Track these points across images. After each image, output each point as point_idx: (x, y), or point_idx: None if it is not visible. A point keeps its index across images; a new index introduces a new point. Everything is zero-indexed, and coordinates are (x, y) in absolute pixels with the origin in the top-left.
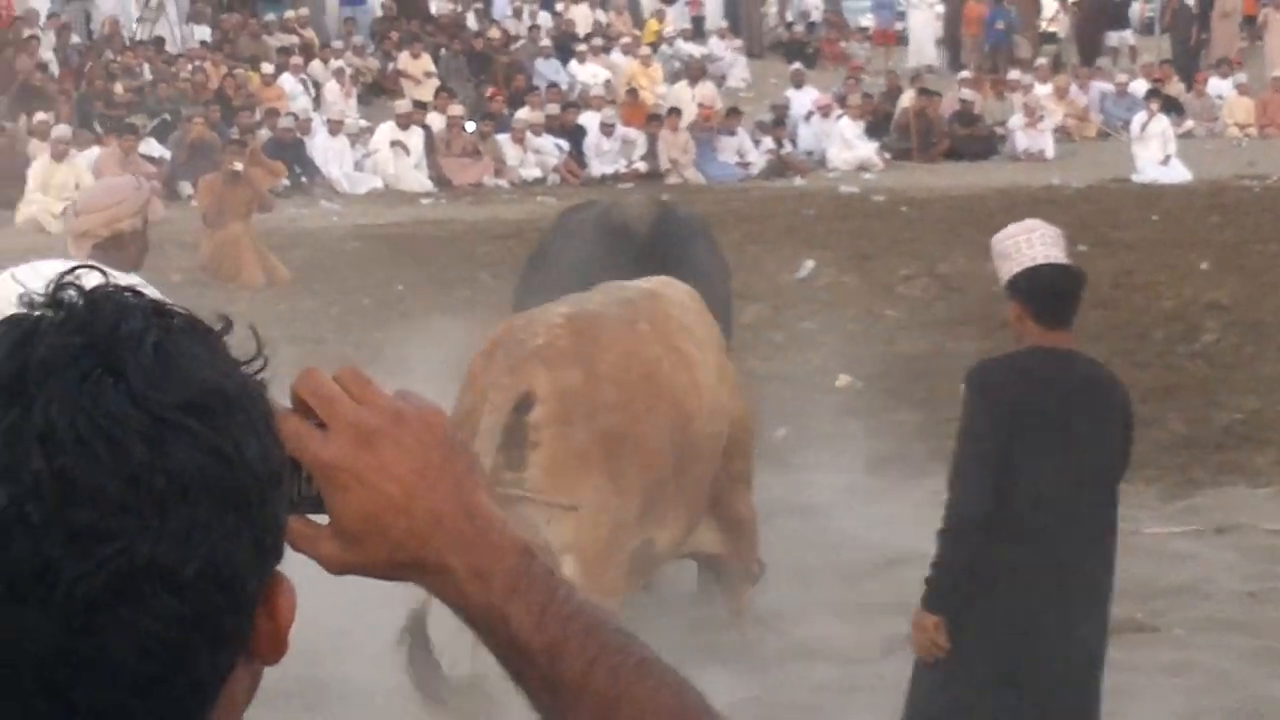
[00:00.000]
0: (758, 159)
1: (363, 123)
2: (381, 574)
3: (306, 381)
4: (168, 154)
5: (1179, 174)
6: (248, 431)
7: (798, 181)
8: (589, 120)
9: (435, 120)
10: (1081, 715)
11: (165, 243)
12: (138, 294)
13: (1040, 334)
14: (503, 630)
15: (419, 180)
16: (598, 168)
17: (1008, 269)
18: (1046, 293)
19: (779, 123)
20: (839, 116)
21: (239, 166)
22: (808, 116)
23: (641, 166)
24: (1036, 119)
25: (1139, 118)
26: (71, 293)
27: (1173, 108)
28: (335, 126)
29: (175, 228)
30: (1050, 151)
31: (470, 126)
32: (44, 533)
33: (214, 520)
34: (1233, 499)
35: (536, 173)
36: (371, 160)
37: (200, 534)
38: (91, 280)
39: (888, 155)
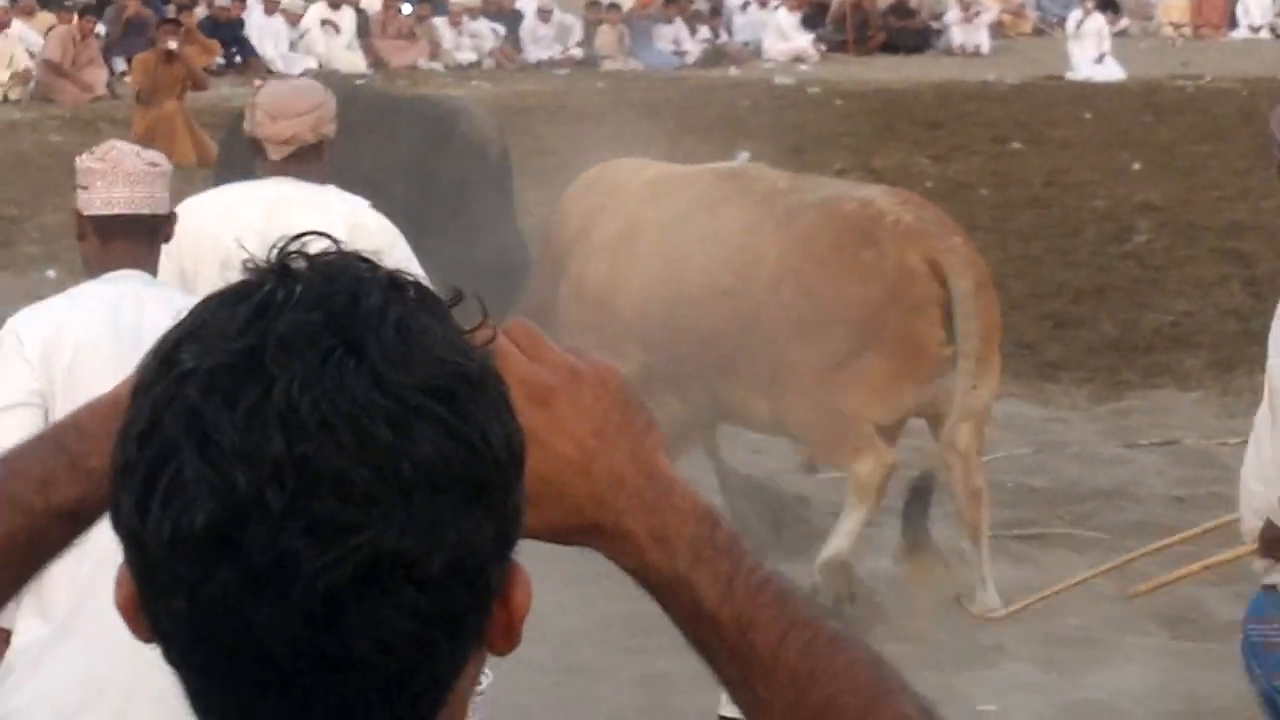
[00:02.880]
0: (694, 48)
1: (301, 1)
2: (558, 539)
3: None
4: (103, 30)
5: (1113, 72)
6: (491, 415)
7: (733, 71)
8: (526, 5)
9: (372, 2)
10: None
11: (98, 119)
12: (371, 264)
13: None
14: (688, 599)
15: (352, 61)
16: (533, 53)
17: None
18: None
19: (715, 12)
20: (775, 7)
21: (173, 45)
22: (744, 6)
23: (577, 53)
24: (973, 14)
25: (1074, 15)
26: (300, 262)
27: (1108, 5)
28: (271, 5)
29: (109, 104)
30: (986, 47)
31: (406, 8)
32: (284, 522)
33: (460, 511)
34: (1162, 402)
35: (472, 56)
36: (304, 40)
37: (447, 525)
38: (316, 246)
39: (823, 47)
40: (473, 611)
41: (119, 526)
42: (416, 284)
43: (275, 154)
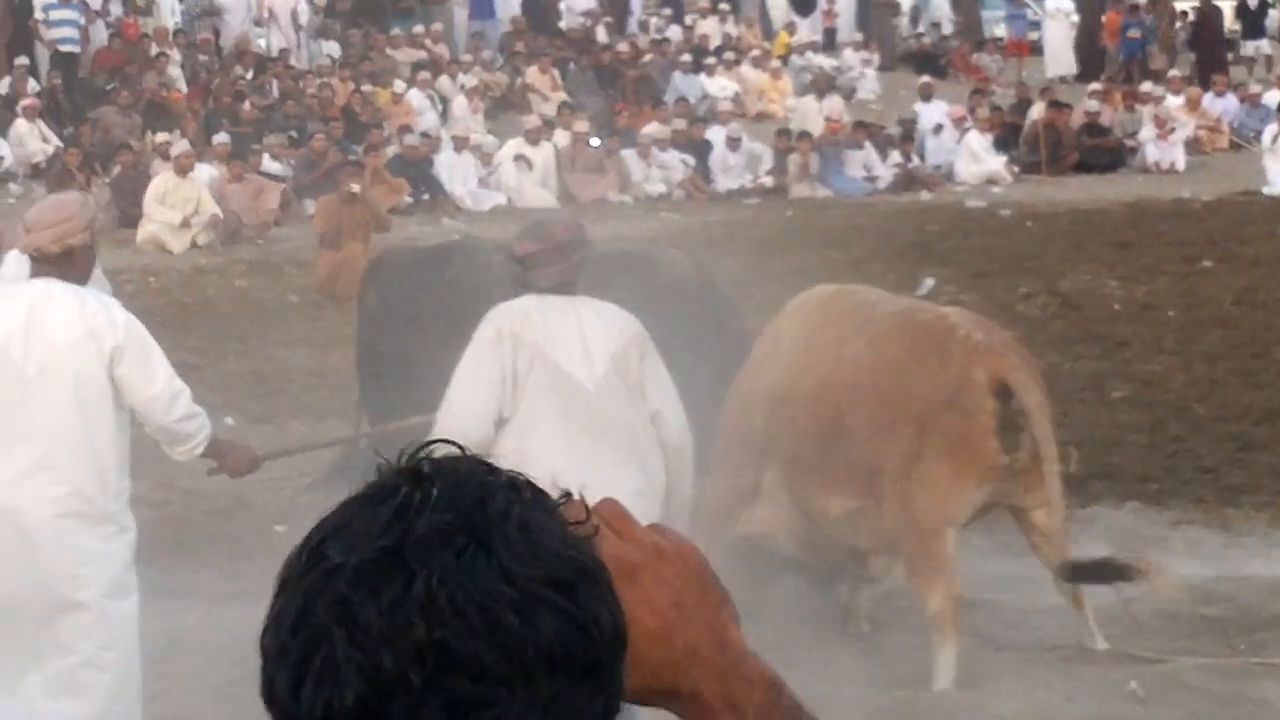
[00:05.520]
0: (885, 173)
1: (490, 138)
2: (638, 701)
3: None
4: (289, 171)
5: None
6: (601, 602)
7: (925, 196)
8: (715, 135)
9: (560, 136)
10: None
11: (283, 262)
12: (492, 469)
13: None
14: None
15: (542, 196)
16: (723, 183)
17: None
18: None
19: (907, 137)
20: (967, 129)
21: (356, 188)
22: (936, 130)
23: (767, 181)
24: (1167, 131)
25: (1270, 129)
26: (425, 466)
27: None
28: (461, 143)
29: (292, 245)
30: (1181, 164)
31: (595, 141)
32: (424, 698)
33: (574, 688)
34: None
35: (661, 188)
36: (495, 176)
37: (563, 701)
38: (440, 451)
39: (1016, 169)
40: None
41: (272, 704)
42: (530, 484)
43: (34, 265)
